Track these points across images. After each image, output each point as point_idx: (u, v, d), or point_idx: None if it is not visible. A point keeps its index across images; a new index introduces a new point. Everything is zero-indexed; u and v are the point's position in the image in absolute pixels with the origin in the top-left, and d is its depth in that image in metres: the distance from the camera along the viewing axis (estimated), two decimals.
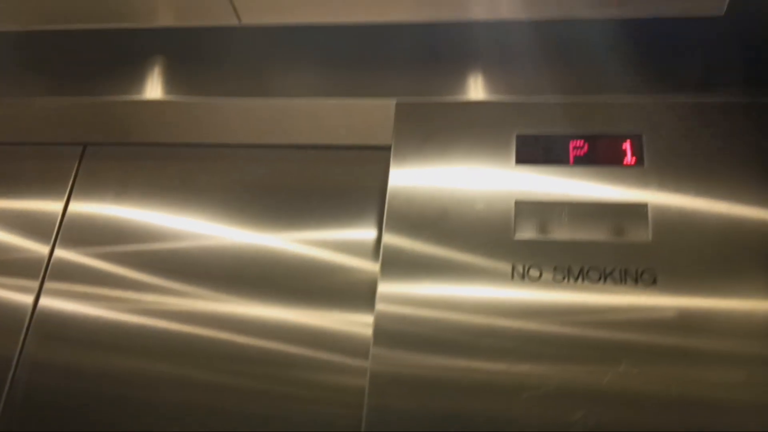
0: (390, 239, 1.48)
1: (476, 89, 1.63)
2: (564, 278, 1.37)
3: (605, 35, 1.58)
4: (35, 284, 1.75)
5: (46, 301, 1.73)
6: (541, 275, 1.39)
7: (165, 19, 1.75)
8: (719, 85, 1.51)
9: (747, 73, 1.51)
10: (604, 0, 1.51)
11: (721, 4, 1.45)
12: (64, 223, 1.82)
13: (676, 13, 1.50)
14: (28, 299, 1.74)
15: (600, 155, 1.47)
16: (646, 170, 1.44)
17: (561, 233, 1.42)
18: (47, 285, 1.75)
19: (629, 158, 1.46)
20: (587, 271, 1.37)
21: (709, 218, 1.37)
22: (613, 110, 1.52)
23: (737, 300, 1.30)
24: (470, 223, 1.46)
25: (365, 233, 1.68)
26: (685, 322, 1.30)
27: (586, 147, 1.49)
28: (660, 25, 1.55)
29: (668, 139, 1.46)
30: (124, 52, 1.82)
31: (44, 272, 1.76)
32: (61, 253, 1.79)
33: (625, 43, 1.57)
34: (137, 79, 1.79)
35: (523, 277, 1.39)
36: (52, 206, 1.84)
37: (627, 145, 1.47)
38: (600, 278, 1.36)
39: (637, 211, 1.41)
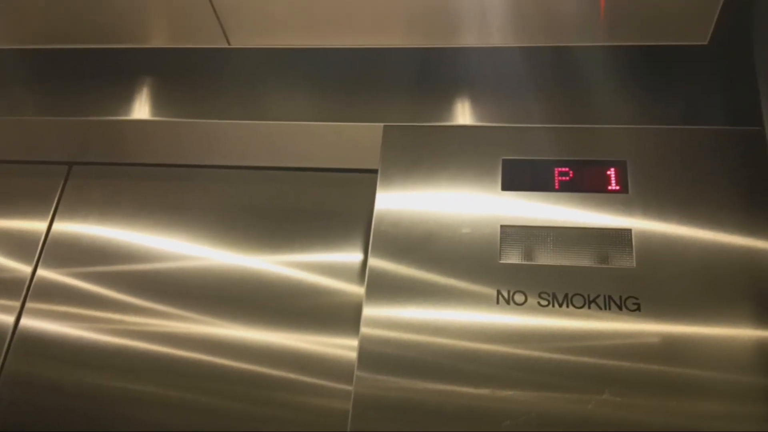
0: (375, 262, 1.47)
1: (464, 114, 1.64)
2: (549, 304, 1.37)
3: (591, 63, 1.60)
4: (17, 304, 1.73)
5: (27, 321, 1.71)
6: (525, 300, 1.39)
7: (154, 39, 1.75)
8: (703, 113, 1.53)
9: (730, 101, 1.53)
10: (590, 28, 1.53)
11: (704, 33, 1.46)
12: (47, 242, 1.81)
13: (660, 42, 1.51)
14: (9, 319, 1.72)
15: (585, 182, 1.48)
16: (630, 197, 1.45)
17: (546, 258, 1.42)
18: (29, 305, 1.73)
19: (614, 185, 1.47)
20: (572, 297, 1.37)
21: (693, 245, 1.38)
22: (598, 137, 1.53)
23: (720, 327, 1.30)
24: (456, 247, 1.46)
25: (351, 256, 1.67)
26: (668, 349, 1.30)
27: (571, 173, 1.50)
28: (645, 53, 1.56)
29: (652, 166, 1.47)
30: (112, 72, 1.82)
31: (26, 292, 1.75)
32: (44, 272, 1.77)
33: (611, 71, 1.59)
34: (125, 99, 1.79)
35: (508, 302, 1.39)
36: (36, 225, 1.83)
37: (612, 172, 1.48)
38: (584, 304, 1.36)
39: (622, 237, 1.41)
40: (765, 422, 1.22)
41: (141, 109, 1.77)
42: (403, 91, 1.68)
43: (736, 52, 1.50)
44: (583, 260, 1.41)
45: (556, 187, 1.49)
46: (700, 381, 1.27)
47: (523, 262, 1.43)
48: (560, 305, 1.37)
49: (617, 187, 1.46)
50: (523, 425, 1.28)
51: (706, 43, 1.48)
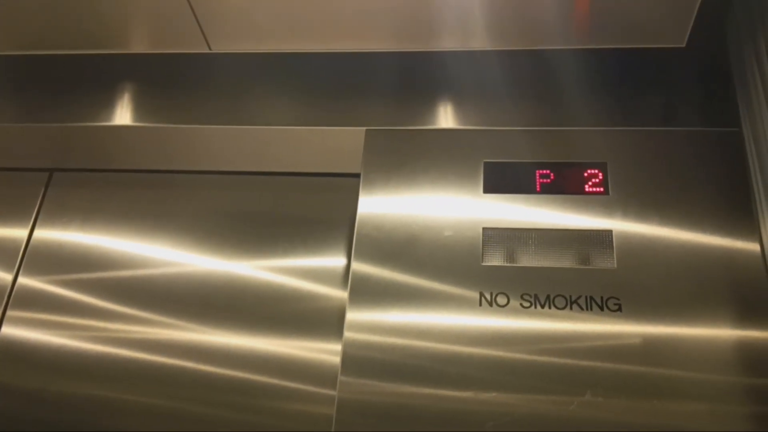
0: (358, 266, 1.47)
1: (446, 118, 1.65)
2: (531, 305, 1.38)
3: (571, 66, 1.61)
4: None
5: (8, 330, 1.69)
6: (508, 302, 1.39)
7: (135, 45, 1.74)
8: (681, 115, 1.54)
9: (707, 103, 1.54)
10: (570, 32, 1.54)
11: (682, 35, 1.48)
12: (28, 250, 1.79)
13: (638, 45, 1.53)
14: None
15: (566, 183, 1.49)
16: (610, 198, 1.46)
17: (528, 260, 1.43)
18: (10, 313, 1.72)
19: (594, 187, 1.48)
20: (554, 298, 1.38)
21: (673, 246, 1.39)
22: (579, 139, 1.54)
23: (700, 328, 1.31)
24: (438, 250, 1.47)
25: (334, 260, 1.67)
26: (649, 350, 1.30)
27: (552, 175, 1.50)
28: (623, 56, 1.58)
29: (632, 167, 1.49)
30: (93, 78, 1.81)
31: (7, 300, 1.73)
32: (25, 280, 1.76)
33: (590, 74, 1.60)
34: (106, 104, 1.78)
35: (490, 303, 1.39)
36: (17, 233, 1.82)
37: (592, 174, 1.49)
38: (566, 305, 1.37)
39: (603, 238, 1.42)
40: (745, 421, 1.23)
41: (122, 115, 1.76)
42: (384, 95, 1.68)
43: (713, 55, 1.51)
44: (564, 261, 1.42)
45: (538, 189, 1.50)
46: (680, 381, 1.27)
47: (506, 264, 1.43)
48: (542, 306, 1.37)
49: (598, 189, 1.47)
50: (507, 426, 1.28)
51: (683, 45, 1.50)
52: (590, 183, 1.48)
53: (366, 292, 1.45)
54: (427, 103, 1.66)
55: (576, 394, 1.28)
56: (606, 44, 1.53)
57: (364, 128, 1.63)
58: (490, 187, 1.52)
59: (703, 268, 1.36)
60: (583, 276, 1.39)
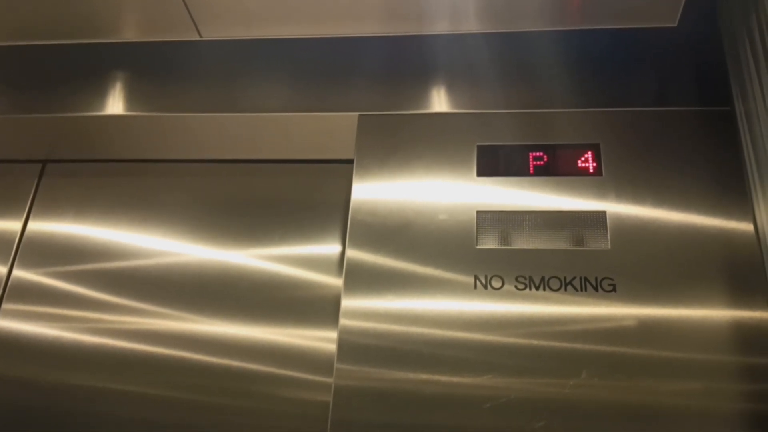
0: (353, 253, 1.47)
1: (439, 102, 1.64)
2: (525, 287, 1.38)
3: (563, 47, 1.60)
4: None
5: (3, 323, 1.70)
6: (503, 285, 1.39)
7: (125, 33, 1.73)
8: (673, 95, 1.54)
9: (700, 82, 1.54)
10: (561, 12, 1.53)
11: (673, 15, 1.47)
12: (22, 242, 1.79)
13: (630, 25, 1.52)
14: None
15: (559, 165, 1.49)
16: (604, 179, 1.46)
17: (522, 242, 1.43)
18: (5, 306, 1.72)
19: (587, 168, 1.47)
20: (548, 280, 1.38)
21: (666, 226, 1.39)
22: (571, 121, 1.54)
23: (694, 308, 1.31)
24: (433, 234, 1.47)
25: (329, 247, 1.67)
26: (644, 330, 1.31)
27: (545, 157, 1.50)
28: (615, 36, 1.57)
29: (625, 148, 1.48)
30: (84, 67, 1.80)
31: (2, 293, 1.73)
32: (19, 273, 1.76)
33: (582, 54, 1.59)
34: (98, 94, 1.76)
35: (485, 286, 1.39)
36: (11, 225, 1.81)
37: (585, 155, 1.49)
38: (561, 286, 1.37)
39: (596, 219, 1.42)
40: (739, 399, 1.24)
41: (114, 105, 1.75)
42: (377, 80, 1.67)
43: (705, 33, 1.51)
44: (558, 243, 1.41)
45: (531, 171, 1.49)
46: (675, 361, 1.28)
47: (500, 247, 1.43)
48: (537, 288, 1.37)
49: (591, 170, 1.47)
50: (503, 408, 1.28)
51: (675, 24, 1.49)
52: (583, 164, 1.48)
53: (361, 278, 1.44)
54: (419, 87, 1.65)
55: (571, 375, 1.29)
56: (597, 25, 1.52)
57: (357, 113, 1.62)
58: (484, 170, 1.51)
59: (697, 248, 1.36)
60: (578, 257, 1.39)
